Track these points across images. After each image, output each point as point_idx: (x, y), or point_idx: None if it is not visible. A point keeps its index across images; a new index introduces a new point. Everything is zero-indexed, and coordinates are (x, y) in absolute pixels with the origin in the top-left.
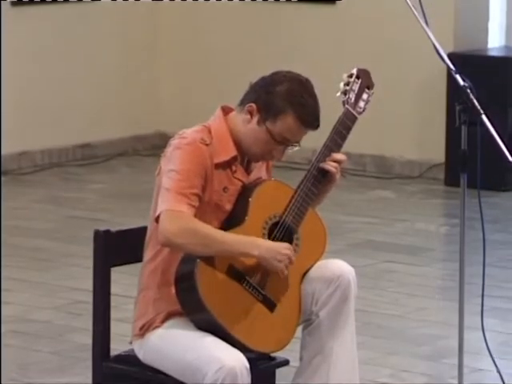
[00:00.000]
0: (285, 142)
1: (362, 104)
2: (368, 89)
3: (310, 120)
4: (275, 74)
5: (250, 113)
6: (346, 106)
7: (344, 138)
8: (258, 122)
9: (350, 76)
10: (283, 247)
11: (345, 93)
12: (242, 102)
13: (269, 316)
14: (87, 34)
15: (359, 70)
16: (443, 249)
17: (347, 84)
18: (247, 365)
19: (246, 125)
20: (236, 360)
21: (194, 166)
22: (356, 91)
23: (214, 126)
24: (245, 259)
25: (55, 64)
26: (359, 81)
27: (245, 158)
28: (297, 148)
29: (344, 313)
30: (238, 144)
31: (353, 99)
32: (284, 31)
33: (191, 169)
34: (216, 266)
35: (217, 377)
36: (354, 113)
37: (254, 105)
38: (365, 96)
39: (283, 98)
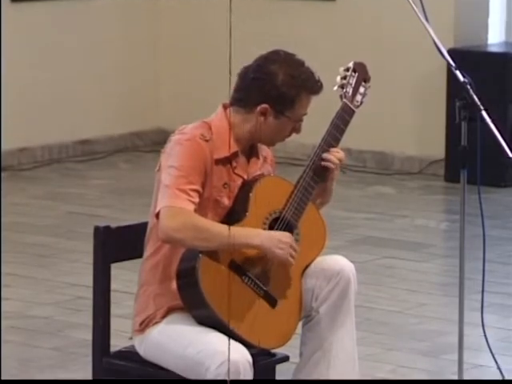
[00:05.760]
0: (303, 116)
1: (359, 97)
2: (365, 82)
3: (318, 87)
4: (262, 67)
5: (264, 114)
6: (344, 99)
7: (342, 131)
8: (276, 117)
9: (347, 70)
10: (284, 235)
11: (342, 87)
12: (239, 103)
13: (270, 312)
14: (87, 31)
15: (355, 64)
16: (443, 245)
17: (344, 78)
18: (250, 359)
19: (262, 125)
20: (239, 354)
21: (194, 162)
22: (353, 85)
23: (214, 122)
24: (246, 255)
25: (55, 60)
26: (356, 74)
27: (246, 153)
28: None
29: (344, 309)
30: (238, 140)
31: (350, 93)
32: (284, 29)
33: (191, 165)
34: (218, 262)
35: (220, 371)
36: (352, 106)
37: (266, 105)
38: (362, 89)
39: (291, 85)
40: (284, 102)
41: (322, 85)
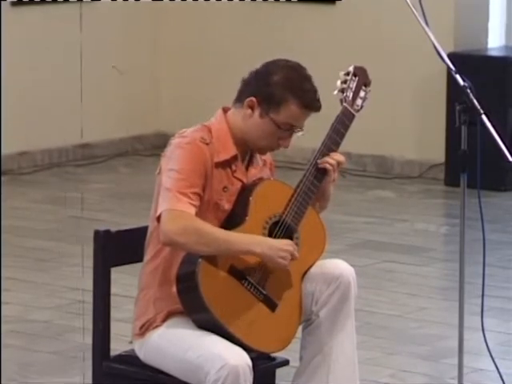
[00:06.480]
0: (290, 128)
1: (359, 102)
2: (365, 86)
3: (312, 103)
4: (267, 65)
5: (251, 107)
6: (344, 104)
7: (342, 136)
8: (261, 115)
9: (347, 74)
10: (285, 244)
11: (342, 91)
12: (239, 99)
13: (270, 316)
14: (87, 34)
15: (356, 68)
16: (443, 249)
17: (344, 82)
18: (250, 363)
19: (248, 119)
20: (239, 358)
21: (195, 165)
22: (353, 89)
23: (214, 125)
24: (246, 259)
25: (55, 64)
26: (356, 78)
27: (246, 156)
28: (301, 133)
29: (344, 313)
30: (238, 143)
31: (350, 97)
32: (284, 31)
33: (191, 168)
34: (217, 266)
35: (219, 375)
36: (352, 111)
37: (253, 99)
38: (362, 94)
39: (283, 87)
40: (270, 101)
41: (320, 105)
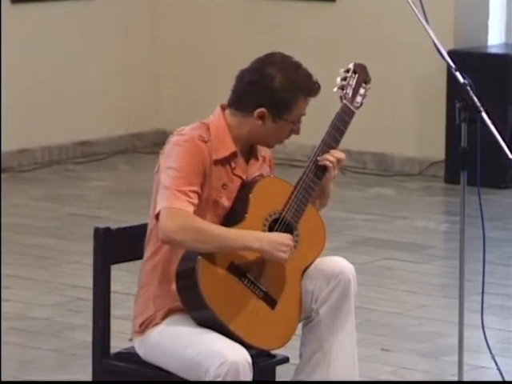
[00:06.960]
0: (301, 117)
1: (359, 99)
2: (365, 83)
3: (315, 89)
4: (261, 69)
5: (262, 117)
6: (344, 101)
7: (342, 133)
8: (274, 120)
9: (347, 71)
10: (284, 238)
11: (342, 88)
12: (239, 106)
13: (270, 313)
14: (87, 32)
15: (356, 65)
16: (443, 246)
17: (344, 79)
18: (249, 360)
19: (260, 129)
20: (238, 355)
21: (193, 163)
22: (353, 86)
23: (212, 123)
24: (246, 256)
25: (55, 62)
26: (356, 75)
27: (245, 153)
28: None
29: (344, 310)
30: (237, 140)
31: (350, 94)
32: (284, 29)
33: (190, 166)
34: (217, 263)
35: (219, 372)
36: (352, 108)
37: (263, 109)
38: (362, 91)
39: (288, 89)
40: (281, 106)
41: (319, 86)
